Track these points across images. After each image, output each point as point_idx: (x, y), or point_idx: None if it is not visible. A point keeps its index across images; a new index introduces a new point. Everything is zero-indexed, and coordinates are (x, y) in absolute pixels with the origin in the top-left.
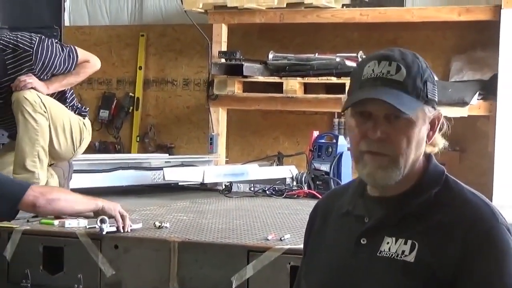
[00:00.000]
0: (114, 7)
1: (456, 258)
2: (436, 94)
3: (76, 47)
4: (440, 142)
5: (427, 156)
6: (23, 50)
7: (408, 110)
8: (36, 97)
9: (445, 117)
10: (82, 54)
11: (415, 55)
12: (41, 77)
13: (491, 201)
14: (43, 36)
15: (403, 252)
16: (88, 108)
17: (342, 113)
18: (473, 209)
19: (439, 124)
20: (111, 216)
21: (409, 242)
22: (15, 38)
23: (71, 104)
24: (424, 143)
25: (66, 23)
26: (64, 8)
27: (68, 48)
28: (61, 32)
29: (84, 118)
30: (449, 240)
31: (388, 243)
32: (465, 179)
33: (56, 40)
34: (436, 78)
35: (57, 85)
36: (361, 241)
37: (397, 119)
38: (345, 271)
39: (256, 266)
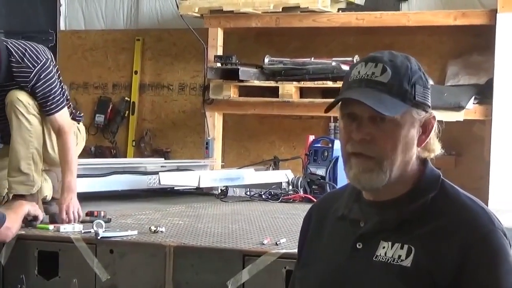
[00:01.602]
0: (110, 11)
1: (455, 264)
2: (428, 97)
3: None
4: (437, 147)
5: (423, 161)
6: (25, 65)
7: (388, 111)
8: (29, 99)
9: (439, 121)
10: (66, 113)
11: (406, 58)
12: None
13: (487, 205)
14: (49, 60)
15: (399, 256)
16: (83, 114)
17: (325, 112)
18: (470, 214)
19: (433, 128)
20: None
21: (406, 246)
22: (24, 49)
23: (68, 109)
24: (414, 146)
25: (62, 27)
26: (60, 12)
27: (65, 93)
28: (56, 37)
29: (78, 123)
30: (446, 245)
31: (384, 247)
32: (461, 184)
33: (59, 73)
34: (431, 82)
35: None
36: (357, 245)
37: (382, 121)
38: (341, 276)
39: (251, 270)
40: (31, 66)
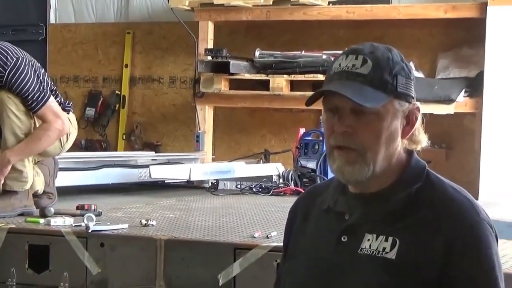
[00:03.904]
0: (100, 4)
1: (440, 256)
2: (411, 88)
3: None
4: (424, 139)
5: (409, 153)
6: None
7: (368, 102)
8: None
9: (424, 113)
10: (55, 105)
11: (387, 49)
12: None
13: (477, 198)
14: (20, 58)
15: (384, 249)
16: (72, 103)
17: (306, 105)
18: (455, 205)
19: (417, 119)
20: None
21: (390, 239)
22: None
23: (55, 100)
24: (398, 138)
25: (52, 20)
26: (50, 5)
27: (49, 86)
28: (46, 30)
29: (68, 113)
30: (431, 237)
31: (369, 240)
32: (451, 177)
33: (35, 68)
34: (421, 75)
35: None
36: (342, 238)
37: (364, 113)
38: (327, 269)
39: (242, 263)
40: (2, 70)
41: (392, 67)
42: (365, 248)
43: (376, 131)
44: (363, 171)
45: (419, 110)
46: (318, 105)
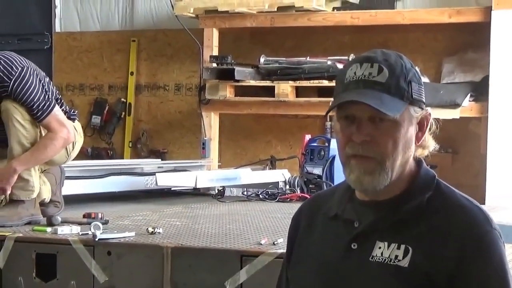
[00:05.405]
0: (105, 12)
1: (452, 263)
2: (423, 94)
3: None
4: (431, 144)
5: (418, 161)
6: (1, 79)
7: (390, 111)
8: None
9: (434, 118)
10: (60, 113)
11: (398, 56)
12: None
13: (484, 202)
14: (25, 68)
15: (396, 257)
16: (77, 111)
17: (324, 117)
18: (467, 214)
19: (428, 125)
20: None
21: (403, 247)
22: None
23: (60, 108)
24: (413, 144)
25: (57, 29)
26: (55, 14)
27: (54, 95)
28: (52, 39)
29: (74, 122)
30: (444, 245)
31: (380, 247)
32: (457, 181)
33: (40, 77)
34: (427, 80)
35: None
36: (352, 246)
37: (382, 121)
38: (336, 277)
39: (249, 270)
40: (7, 80)
41: (407, 74)
42: (376, 255)
43: (394, 139)
44: (383, 179)
45: (430, 116)
46: (323, 111)
